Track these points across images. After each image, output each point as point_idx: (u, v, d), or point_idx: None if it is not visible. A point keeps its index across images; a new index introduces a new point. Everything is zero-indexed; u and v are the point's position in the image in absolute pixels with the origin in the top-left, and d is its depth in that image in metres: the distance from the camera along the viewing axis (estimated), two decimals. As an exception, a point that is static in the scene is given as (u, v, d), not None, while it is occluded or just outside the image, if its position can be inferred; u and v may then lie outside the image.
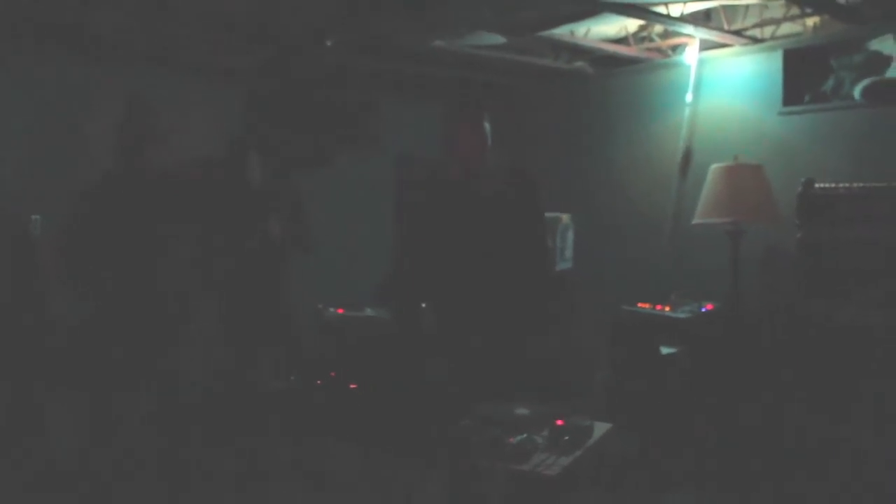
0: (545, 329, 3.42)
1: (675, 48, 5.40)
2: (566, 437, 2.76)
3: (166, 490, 3.89)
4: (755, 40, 5.01)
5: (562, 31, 4.89)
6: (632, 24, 5.11)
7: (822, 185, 4.48)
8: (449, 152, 3.39)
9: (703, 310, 4.76)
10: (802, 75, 4.86)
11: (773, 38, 4.97)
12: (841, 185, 4.42)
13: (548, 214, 4.47)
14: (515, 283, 3.34)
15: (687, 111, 5.37)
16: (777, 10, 4.82)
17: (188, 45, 4.89)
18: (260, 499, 4.09)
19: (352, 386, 3.00)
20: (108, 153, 3.97)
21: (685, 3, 4.57)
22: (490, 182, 3.38)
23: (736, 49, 5.12)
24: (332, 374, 3.12)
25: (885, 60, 4.56)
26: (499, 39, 5.03)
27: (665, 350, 4.63)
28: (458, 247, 3.40)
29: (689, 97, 5.35)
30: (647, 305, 4.93)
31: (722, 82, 5.26)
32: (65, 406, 4.21)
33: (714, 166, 4.73)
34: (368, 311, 5.23)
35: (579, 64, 5.73)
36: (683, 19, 4.67)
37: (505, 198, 3.36)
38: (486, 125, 3.41)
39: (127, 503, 3.78)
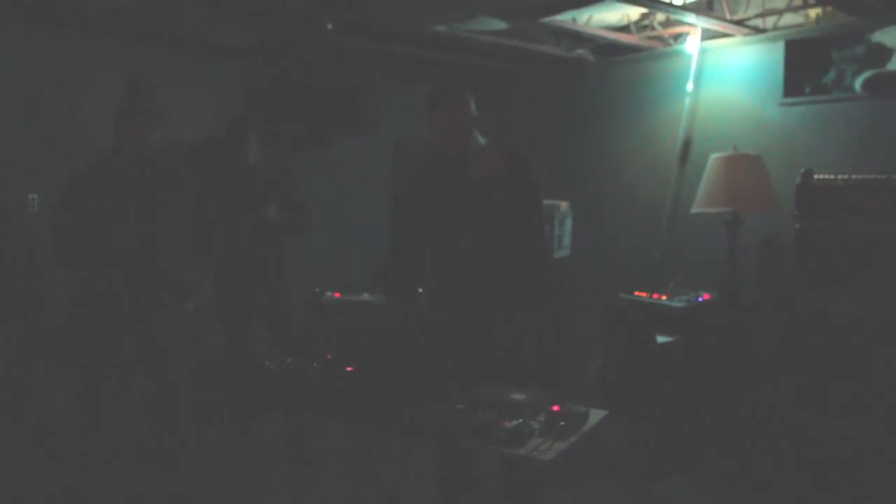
0: (539, 307, 3.41)
1: (676, 37, 5.39)
2: (562, 423, 2.77)
3: (159, 469, 3.90)
4: (757, 30, 4.99)
5: (563, 18, 4.87)
6: (634, 12, 5.09)
7: (821, 176, 4.48)
8: (431, 134, 3.39)
9: (701, 299, 4.76)
10: (804, 66, 4.85)
11: (775, 28, 4.96)
12: (840, 176, 4.42)
13: (546, 202, 4.46)
14: (509, 262, 3.33)
15: (687, 100, 5.36)
16: (779, 1, 4.81)
17: (188, 24, 4.87)
18: (253, 480, 4.10)
19: (348, 368, 3.00)
20: (106, 132, 3.94)
21: (688, -9, 4.56)
22: (480, 163, 3.37)
23: (738, 39, 5.10)
24: (329, 356, 3.12)
25: (886, 53, 4.55)
26: (500, 25, 5.01)
27: (662, 339, 4.63)
28: (449, 228, 3.41)
29: (689, 86, 5.34)
30: (644, 294, 4.93)
31: (723, 72, 5.24)
32: (57, 386, 4.21)
33: (713, 156, 4.73)
34: (366, 296, 5.22)
35: (580, 51, 5.71)
36: (686, 8, 4.65)
37: (496, 179, 3.34)
38: (471, 107, 3.40)
39: (119, 483, 3.79)
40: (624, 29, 5.31)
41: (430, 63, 5.94)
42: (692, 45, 5.27)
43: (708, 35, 5.18)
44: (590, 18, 5.05)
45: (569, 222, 5.55)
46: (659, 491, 4.13)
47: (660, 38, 5.42)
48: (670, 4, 4.59)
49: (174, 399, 3.92)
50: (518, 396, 2.92)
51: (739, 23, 4.92)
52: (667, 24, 5.25)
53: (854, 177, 4.38)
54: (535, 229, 3.45)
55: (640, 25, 5.31)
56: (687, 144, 5.38)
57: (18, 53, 4.78)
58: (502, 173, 3.34)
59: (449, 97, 3.41)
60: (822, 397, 4.24)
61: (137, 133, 3.83)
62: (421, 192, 3.55)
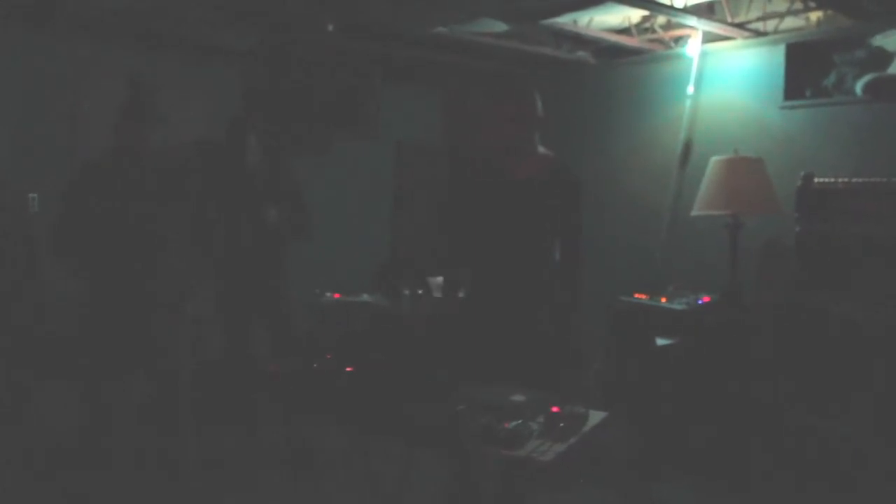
0: (555, 318, 3.46)
1: (677, 40, 5.39)
2: (561, 425, 2.76)
3: (160, 471, 3.90)
4: (758, 33, 5.00)
5: (565, 20, 4.88)
6: (635, 15, 5.10)
7: (821, 179, 4.48)
8: (488, 127, 3.38)
9: (701, 302, 4.76)
10: (804, 70, 4.86)
11: (776, 31, 4.96)
12: (840, 179, 4.42)
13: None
14: (532, 270, 3.37)
15: (688, 103, 5.37)
16: (780, 4, 4.81)
17: (188, 25, 4.87)
18: (252, 481, 4.10)
19: (348, 369, 3.00)
20: (106, 133, 3.95)
21: (689, -6, 4.57)
22: (530, 169, 3.38)
23: (739, 42, 5.11)
24: (329, 356, 3.13)
25: (887, 57, 4.55)
26: (501, 27, 5.01)
27: (661, 341, 4.63)
28: (482, 225, 3.43)
29: (690, 89, 5.35)
30: (644, 296, 4.93)
31: (724, 75, 5.25)
32: (58, 387, 4.21)
33: (714, 159, 4.73)
34: (365, 297, 5.22)
35: (581, 54, 5.72)
36: (687, 11, 4.65)
37: (539, 188, 3.36)
38: (538, 105, 3.39)
39: (119, 485, 3.79)
40: (625, 31, 5.31)
41: (430, 65, 5.94)
42: (693, 47, 5.27)
43: (709, 38, 5.18)
44: (590, 21, 5.05)
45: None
46: (658, 493, 4.12)
47: (661, 41, 5.42)
48: (671, 7, 4.59)
49: (174, 399, 3.92)
50: (518, 397, 2.92)
51: (740, 26, 4.92)
52: (668, 26, 5.25)
53: (854, 180, 4.38)
54: (574, 234, 3.48)
55: (641, 28, 5.31)
56: (687, 147, 5.39)
57: (19, 53, 4.78)
58: (546, 181, 3.36)
59: (519, 90, 3.37)
60: (823, 400, 4.24)
61: (137, 133, 3.84)
62: (473, 191, 3.55)
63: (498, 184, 3.40)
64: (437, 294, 4.48)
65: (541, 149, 3.46)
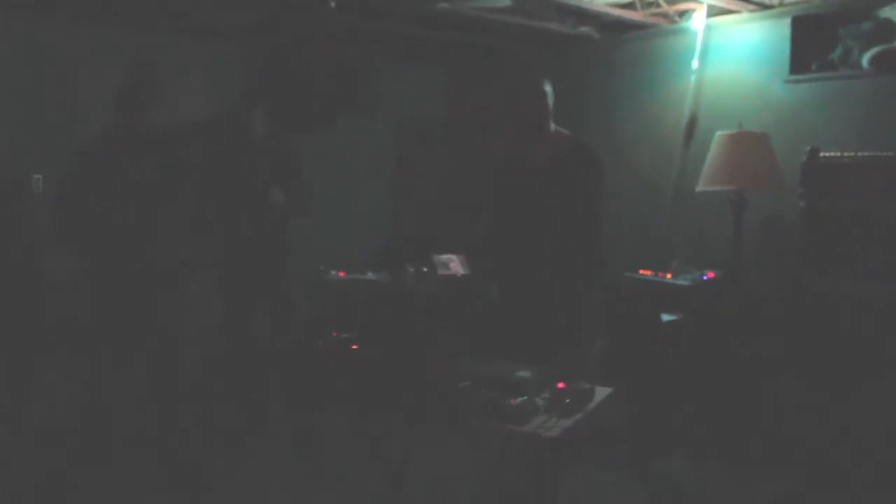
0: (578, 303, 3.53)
1: (682, 14, 5.34)
2: (567, 400, 2.77)
3: (162, 453, 3.90)
4: (763, 6, 4.95)
5: (569, -5, 4.84)
6: (639, -11, 5.06)
7: (827, 153, 4.46)
8: (507, 121, 3.54)
9: (705, 278, 4.76)
10: (810, 43, 4.81)
11: (781, 4, 4.91)
12: (846, 154, 4.40)
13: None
14: (560, 254, 3.45)
15: (693, 78, 5.33)
16: (786, -23, 4.77)
17: (190, 4, 4.84)
18: (256, 462, 4.12)
19: (353, 346, 3.01)
20: (108, 113, 3.93)
21: (694, -33, 4.53)
22: (548, 152, 3.49)
23: (743, 15, 5.07)
24: (334, 333, 3.15)
25: (893, 29, 4.50)
26: (504, 2, 4.97)
27: (666, 317, 4.63)
28: (510, 214, 3.60)
29: (695, 64, 5.31)
30: (648, 272, 4.93)
31: (729, 49, 5.21)
32: (61, 369, 4.22)
33: (719, 134, 4.70)
34: (370, 275, 5.23)
35: (585, 29, 5.67)
36: (692, -16, 4.62)
37: (560, 169, 3.48)
38: (548, 93, 3.52)
39: (121, 468, 3.80)
40: (629, 6, 5.26)
41: (432, 42, 5.90)
42: (698, 21, 5.23)
43: (714, 11, 5.14)
44: (595, -5, 5.01)
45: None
46: (661, 469, 4.14)
47: (665, 15, 5.37)
48: (676, -20, 4.55)
49: (175, 382, 3.93)
50: (523, 374, 2.93)
51: (745, -1, 4.88)
52: (672, 0, 5.20)
53: (860, 154, 4.36)
54: (597, 217, 3.71)
55: (646, 2, 5.26)
56: (692, 122, 5.36)
57: (21, 36, 4.76)
58: (568, 163, 3.58)
59: (532, 90, 3.61)
60: (824, 378, 4.24)
61: (139, 114, 3.83)
62: (505, 182, 3.76)
63: (527, 171, 3.54)
64: (442, 271, 4.50)
65: (554, 127, 3.58)
